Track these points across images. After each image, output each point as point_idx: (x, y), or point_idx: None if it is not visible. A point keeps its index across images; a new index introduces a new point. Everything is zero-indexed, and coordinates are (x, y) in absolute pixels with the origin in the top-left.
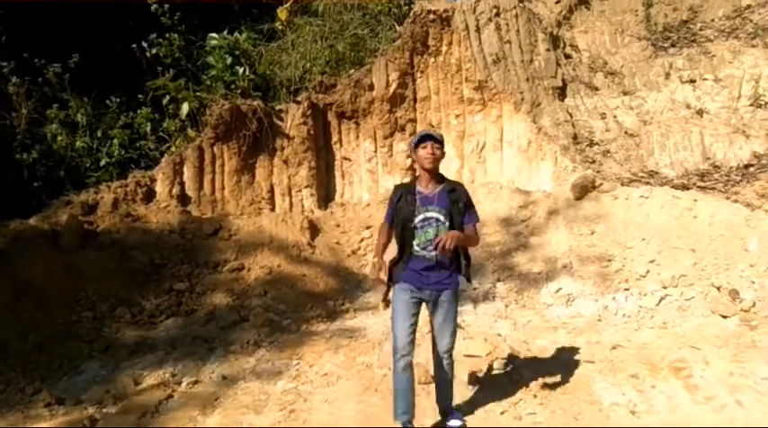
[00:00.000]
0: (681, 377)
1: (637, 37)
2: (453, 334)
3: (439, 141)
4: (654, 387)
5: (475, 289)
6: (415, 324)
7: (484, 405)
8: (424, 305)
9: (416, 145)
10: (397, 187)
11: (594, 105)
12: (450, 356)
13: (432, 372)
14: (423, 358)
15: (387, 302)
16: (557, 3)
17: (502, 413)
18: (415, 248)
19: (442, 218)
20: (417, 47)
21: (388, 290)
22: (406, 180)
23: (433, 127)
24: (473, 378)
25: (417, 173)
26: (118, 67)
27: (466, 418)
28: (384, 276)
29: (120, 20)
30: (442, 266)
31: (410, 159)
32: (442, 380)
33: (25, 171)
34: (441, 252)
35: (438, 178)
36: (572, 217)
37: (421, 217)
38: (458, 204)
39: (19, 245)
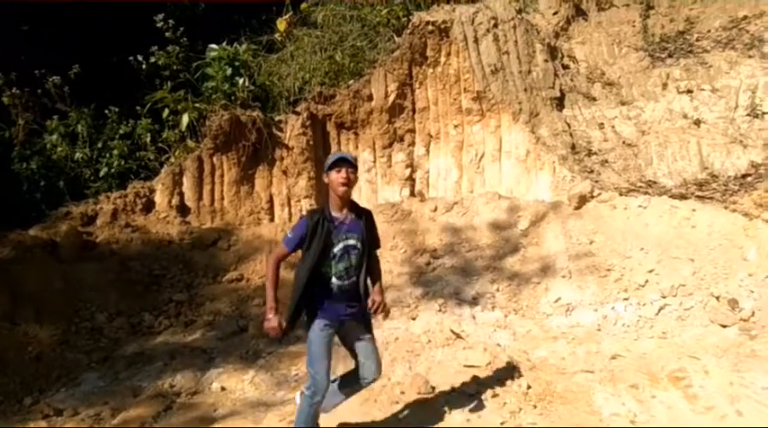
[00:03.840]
0: (680, 387)
1: (634, 48)
2: (379, 362)
3: (354, 165)
4: (654, 398)
5: (474, 298)
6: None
7: (484, 416)
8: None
9: (329, 168)
10: (312, 212)
11: (592, 115)
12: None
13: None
14: (422, 368)
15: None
16: (554, 14)
17: (502, 423)
18: (333, 280)
19: (359, 246)
20: (416, 58)
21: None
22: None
23: (432, 137)
24: (472, 389)
25: (329, 197)
26: (117, 78)
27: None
28: (283, 324)
29: (119, 31)
30: (354, 296)
31: (408, 169)
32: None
33: (25, 182)
34: (383, 314)
35: (350, 203)
36: (570, 226)
37: (341, 245)
38: (371, 231)
39: (18, 255)
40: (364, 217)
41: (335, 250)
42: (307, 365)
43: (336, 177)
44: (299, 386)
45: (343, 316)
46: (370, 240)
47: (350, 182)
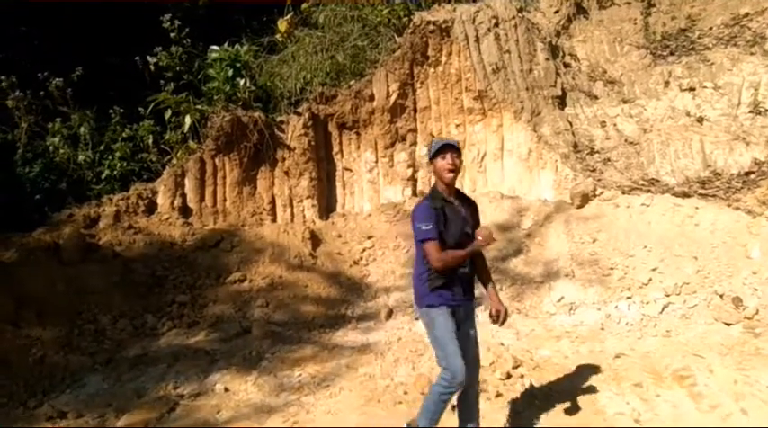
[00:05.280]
0: (685, 385)
1: (635, 45)
2: (477, 362)
3: (458, 150)
4: (658, 396)
5: (477, 297)
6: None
7: (487, 416)
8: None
9: (434, 155)
10: (431, 198)
11: (594, 114)
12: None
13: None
14: (426, 368)
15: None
16: (555, 12)
17: (506, 423)
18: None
19: (472, 233)
20: (417, 57)
21: None
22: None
23: (434, 136)
24: None
25: (434, 185)
26: (120, 80)
27: None
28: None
29: (122, 32)
30: (468, 284)
31: (410, 169)
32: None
33: (27, 185)
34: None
35: (456, 190)
36: (573, 225)
37: (460, 230)
38: (473, 218)
39: (21, 258)
40: (470, 203)
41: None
42: (436, 355)
43: (443, 164)
44: (303, 387)
45: (459, 303)
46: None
47: (456, 169)
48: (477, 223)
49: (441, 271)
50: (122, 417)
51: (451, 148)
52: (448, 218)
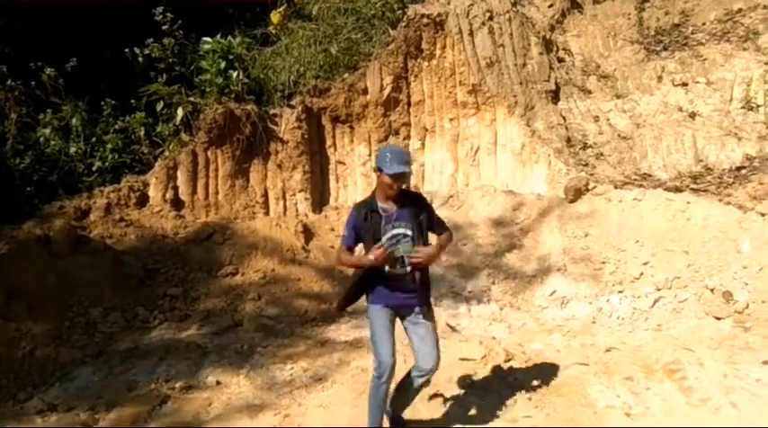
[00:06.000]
0: (675, 379)
1: (629, 41)
2: (437, 352)
3: (408, 176)
4: (648, 390)
5: (470, 291)
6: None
7: (479, 409)
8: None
9: (384, 169)
10: (359, 205)
11: (588, 108)
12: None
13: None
14: None
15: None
16: (549, 7)
17: (497, 416)
18: (386, 267)
19: (410, 232)
20: (411, 51)
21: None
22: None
23: (427, 130)
24: (468, 382)
25: (374, 189)
26: (112, 72)
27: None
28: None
29: (114, 24)
30: (411, 283)
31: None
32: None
33: (18, 176)
34: (418, 265)
35: (398, 195)
36: (566, 219)
37: (389, 234)
38: (419, 217)
39: (11, 250)
40: (414, 202)
41: (383, 240)
42: (371, 347)
43: (388, 184)
44: (295, 381)
45: (398, 303)
46: (425, 224)
47: (399, 189)
48: (424, 217)
49: (368, 273)
50: (113, 411)
51: (403, 178)
52: (366, 228)
